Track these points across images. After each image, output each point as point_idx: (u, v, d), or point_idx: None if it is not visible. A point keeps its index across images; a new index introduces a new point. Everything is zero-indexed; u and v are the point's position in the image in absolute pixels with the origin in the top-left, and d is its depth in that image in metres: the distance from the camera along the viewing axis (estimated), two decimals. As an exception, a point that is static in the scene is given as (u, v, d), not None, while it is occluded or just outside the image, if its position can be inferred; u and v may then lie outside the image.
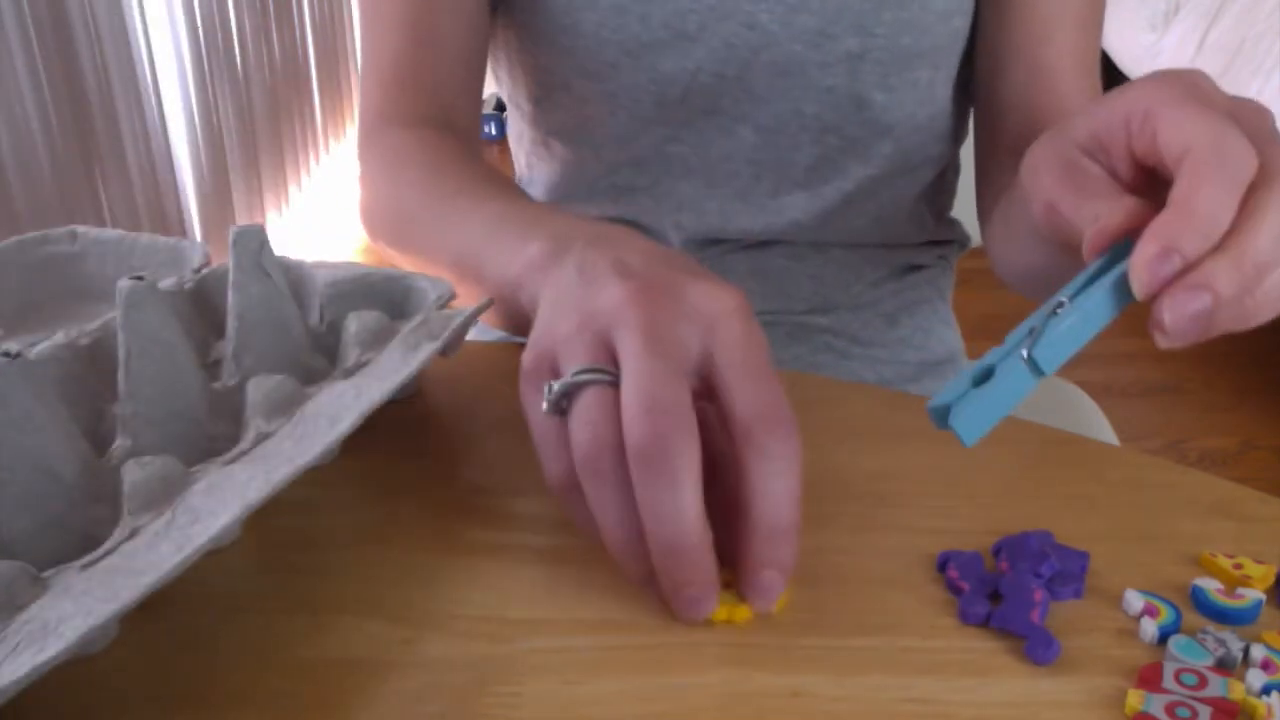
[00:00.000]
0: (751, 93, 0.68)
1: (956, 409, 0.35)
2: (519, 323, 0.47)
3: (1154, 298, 0.35)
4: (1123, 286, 0.36)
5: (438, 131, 0.65)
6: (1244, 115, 0.37)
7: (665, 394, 0.35)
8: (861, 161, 0.70)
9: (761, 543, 0.36)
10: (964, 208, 0.77)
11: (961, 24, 0.67)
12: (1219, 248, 0.35)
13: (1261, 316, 0.36)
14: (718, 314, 0.38)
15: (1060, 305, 0.36)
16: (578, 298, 0.40)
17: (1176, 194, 0.35)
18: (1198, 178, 0.35)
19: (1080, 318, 0.36)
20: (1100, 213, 0.38)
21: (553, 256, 0.44)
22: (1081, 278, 0.38)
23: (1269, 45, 2.02)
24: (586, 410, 0.36)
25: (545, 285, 0.43)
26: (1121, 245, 0.37)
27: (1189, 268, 0.35)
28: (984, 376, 0.36)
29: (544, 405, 0.38)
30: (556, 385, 0.38)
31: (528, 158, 0.79)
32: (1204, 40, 2.22)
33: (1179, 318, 0.35)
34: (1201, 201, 0.35)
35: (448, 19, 0.66)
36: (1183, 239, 0.34)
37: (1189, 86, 0.38)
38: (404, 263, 0.60)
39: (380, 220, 0.64)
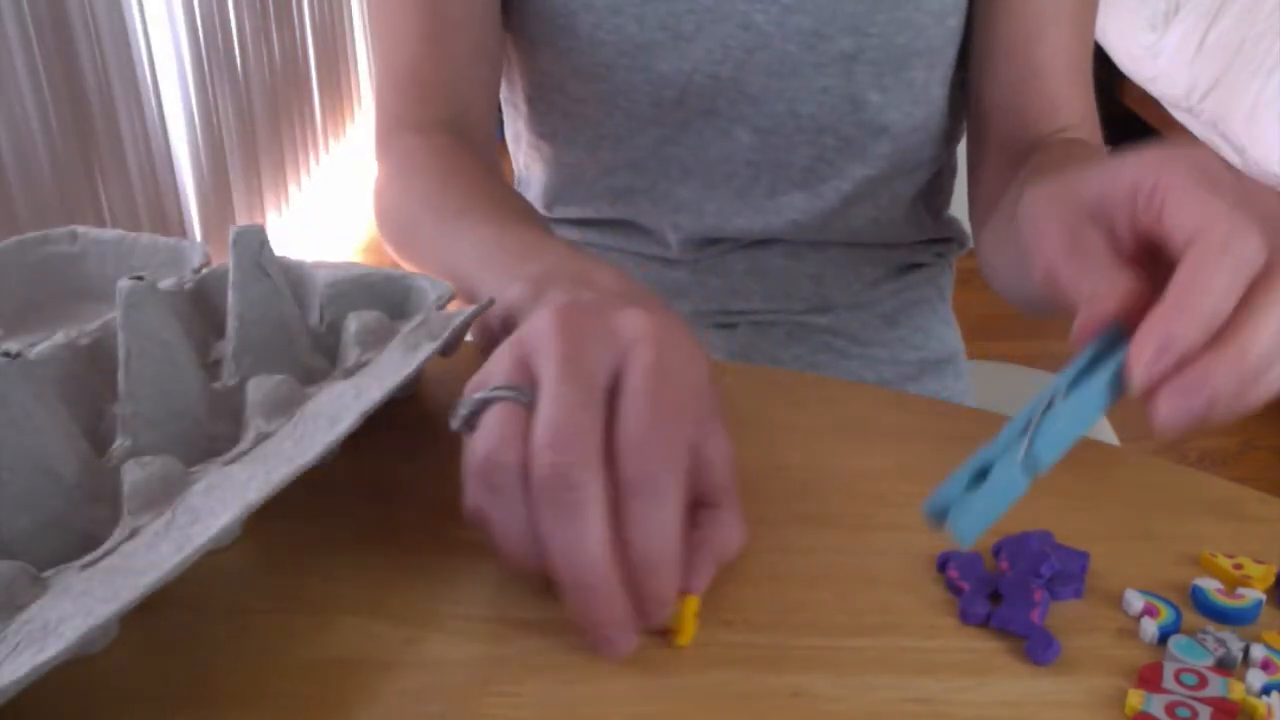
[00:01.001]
0: (747, 93, 0.68)
1: (955, 512, 0.35)
2: None
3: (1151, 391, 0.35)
4: (1118, 380, 0.36)
5: (452, 138, 0.66)
6: (1255, 202, 0.36)
7: (572, 422, 0.35)
8: (859, 161, 0.70)
9: (635, 573, 0.35)
10: (962, 206, 0.77)
11: (956, 23, 0.67)
12: (1218, 342, 0.34)
13: (1258, 404, 0.36)
14: (633, 338, 0.37)
15: (1051, 403, 0.36)
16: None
17: (1177, 282, 0.34)
18: (1201, 268, 0.34)
19: (1075, 414, 0.36)
20: (1097, 290, 0.37)
21: (530, 300, 0.45)
22: (1076, 364, 0.37)
23: (1269, 45, 2.02)
24: (487, 425, 0.36)
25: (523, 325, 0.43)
26: (1114, 331, 0.37)
27: (1186, 360, 0.34)
28: (980, 475, 0.36)
29: (454, 422, 0.38)
30: (465, 401, 0.37)
31: (525, 158, 0.79)
32: (1204, 40, 2.22)
33: (1176, 413, 0.34)
34: (1202, 293, 0.34)
35: (461, 16, 0.66)
36: (1182, 332, 0.34)
37: (1200, 169, 0.37)
38: (409, 269, 0.60)
39: (389, 226, 0.65)
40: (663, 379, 0.37)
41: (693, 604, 0.37)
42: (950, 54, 0.69)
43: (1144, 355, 0.34)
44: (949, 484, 0.36)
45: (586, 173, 0.74)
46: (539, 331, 0.38)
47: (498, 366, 0.38)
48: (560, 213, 0.78)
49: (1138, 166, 0.38)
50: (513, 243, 0.52)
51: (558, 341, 0.37)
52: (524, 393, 0.37)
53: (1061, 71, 0.66)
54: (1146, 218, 0.37)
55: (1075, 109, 0.67)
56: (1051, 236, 0.40)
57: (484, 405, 0.37)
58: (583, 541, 0.34)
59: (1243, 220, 0.35)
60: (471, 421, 0.37)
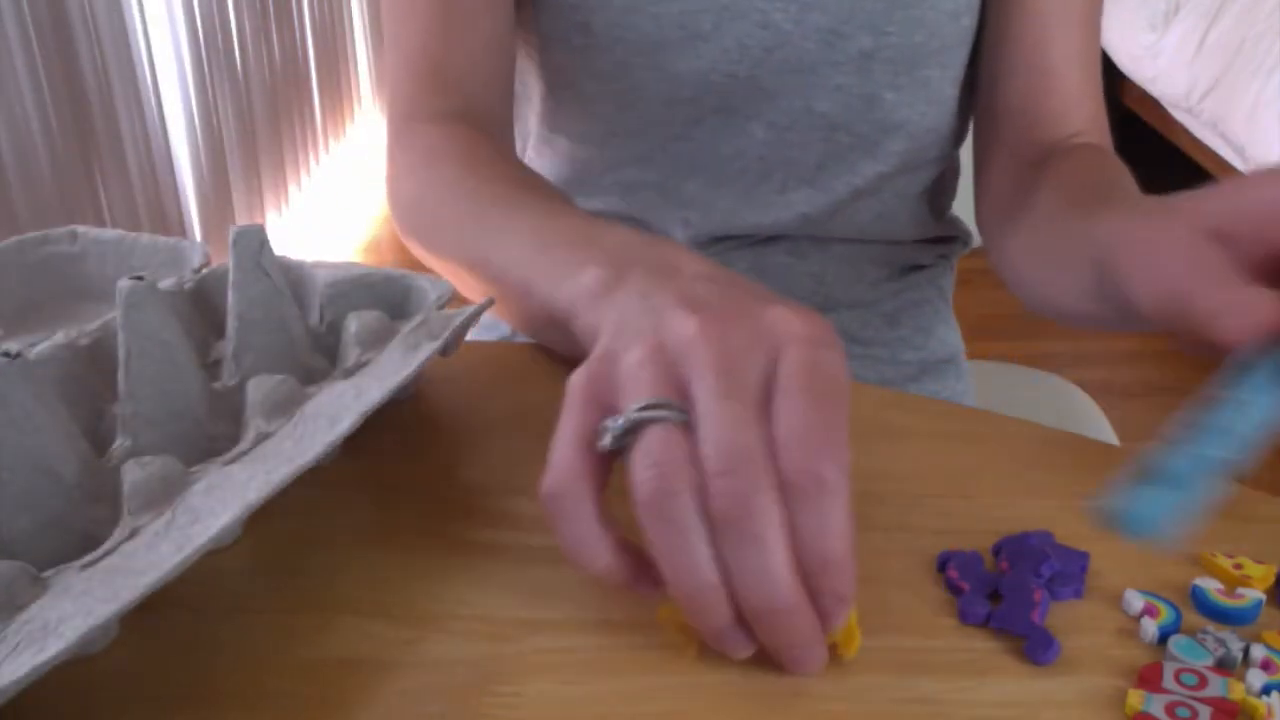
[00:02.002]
0: (763, 91, 0.68)
1: (1138, 500, 0.34)
2: (571, 349, 0.44)
3: None
4: None
5: (469, 128, 0.63)
6: None
7: (744, 443, 0.33)
8: (870, 159, 0.70)
9: (815, 577, 0.34)
10: (964, 206, 0.77)
11: (970, 23, 0.67)
12: None
13: None
14: (788, 339, 0.36)
15: (1226, 400, 0.36)
16: (644, 328, 0.38)
17: None
18: None
19: (1264, 413, 0.36)
20: (1248, 302, 0.37)
21: (612, 285, 0.41)
22: (1238, 371, 0.37)
23: (1269, 45, 2.02)
24: (651, 450, 0.34)
25: (606, 314, 0.41)
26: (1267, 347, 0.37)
27: None
28: (1165, 477, 0.34)
29: (606, 440, 0.35)
30: (621, 420, 0.35)
31: (533, 152, 0.79)
32: (1204, 40, 2.22)
33: None
34: None
35: (475, 7, 0.65)
36: None
37: None
38: (435, 265, 0.58)
39: (411, 218, 0.62)
40: (818, 376, 0.35)
41: (853, 611, 0.36)
42: (963, 54, 0.69)
43: None
44: (1139, 491, 0.34)
45: (596, 167, 0.74)
46: (686, 339, 0.36)
47: (642, 377, 0.36)
48: None
49: (1265, 192, 0.39)
50: (566, 227, 0.49)
51: (710, 351, 0.35)
52: (679, 410, 0.35)
53: (1073, 75, 0.66)
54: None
55: (1086, 113, 0.67)
56: (1177, 261, 0.40)
57: (640, 425, 0.35)
58: (771, 568, 0.33)
59: None
60: (623, 440, 0.35)
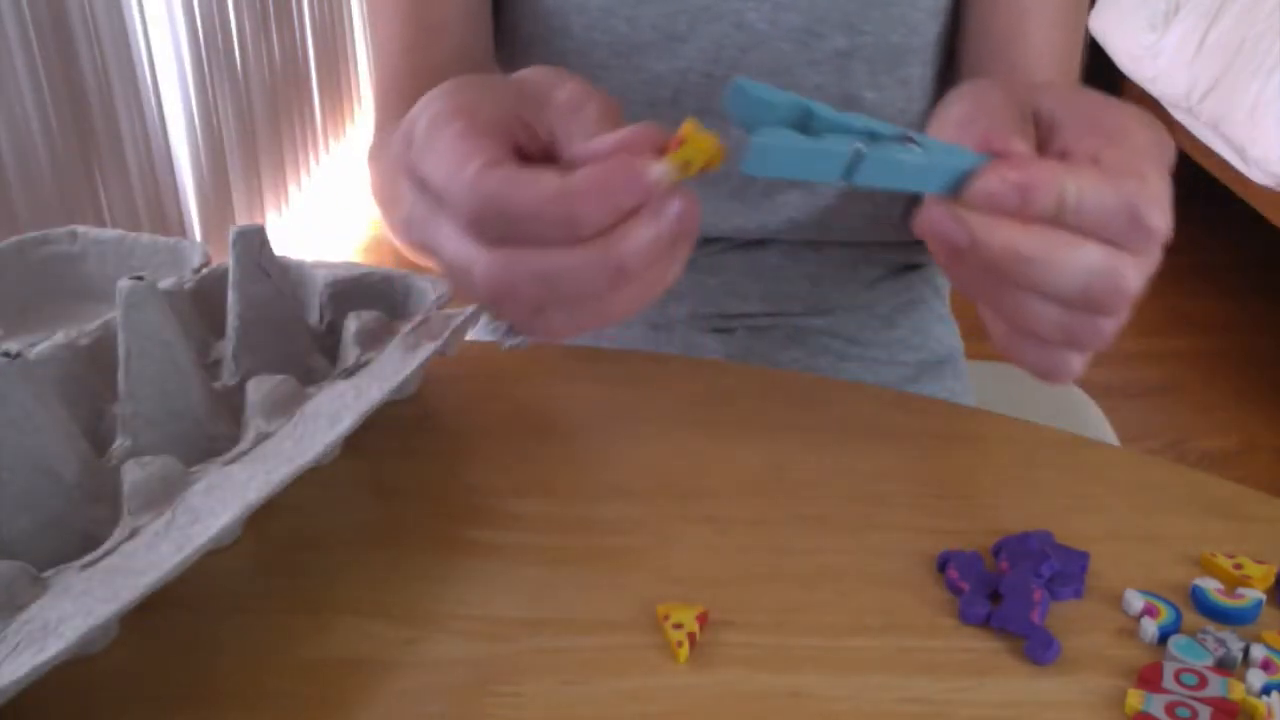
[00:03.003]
0: None
1: (766, 134, 0.34)
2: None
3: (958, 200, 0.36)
4: (961, 177, 0.36)
5: None
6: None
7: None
8: None
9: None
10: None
11: (947, 20, 0.67)
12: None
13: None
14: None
15: (913, 142, 0.36)
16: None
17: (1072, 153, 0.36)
18: (1099, 180, 0.35)
19: (918, 167, 0.36)
20: (998, 125, 0.38)
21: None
22: (943, 144, 0.37)
23: (1269, 45, 2.02)
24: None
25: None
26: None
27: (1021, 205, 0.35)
28: (802, 125, 0.35)
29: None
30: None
31: None
32: (1204, 40, 2.22)
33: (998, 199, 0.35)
34: (1075, 194, 0.35)
35: (441, 21, 0.66)
36: (1033, 199, 0.35)
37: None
38: (407, 247, 0.60)
39: (388, 208, 0.64)
40: None
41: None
42: (944, 52, 0.69)
43: (1005, 184, 0.35)
44: (773, 99, 0.35)
45: None
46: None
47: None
48: None
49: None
50: None
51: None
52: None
53: (1047, 71, 0.66)
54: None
55: None
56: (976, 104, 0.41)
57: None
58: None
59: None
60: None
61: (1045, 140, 0.39)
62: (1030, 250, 0.35)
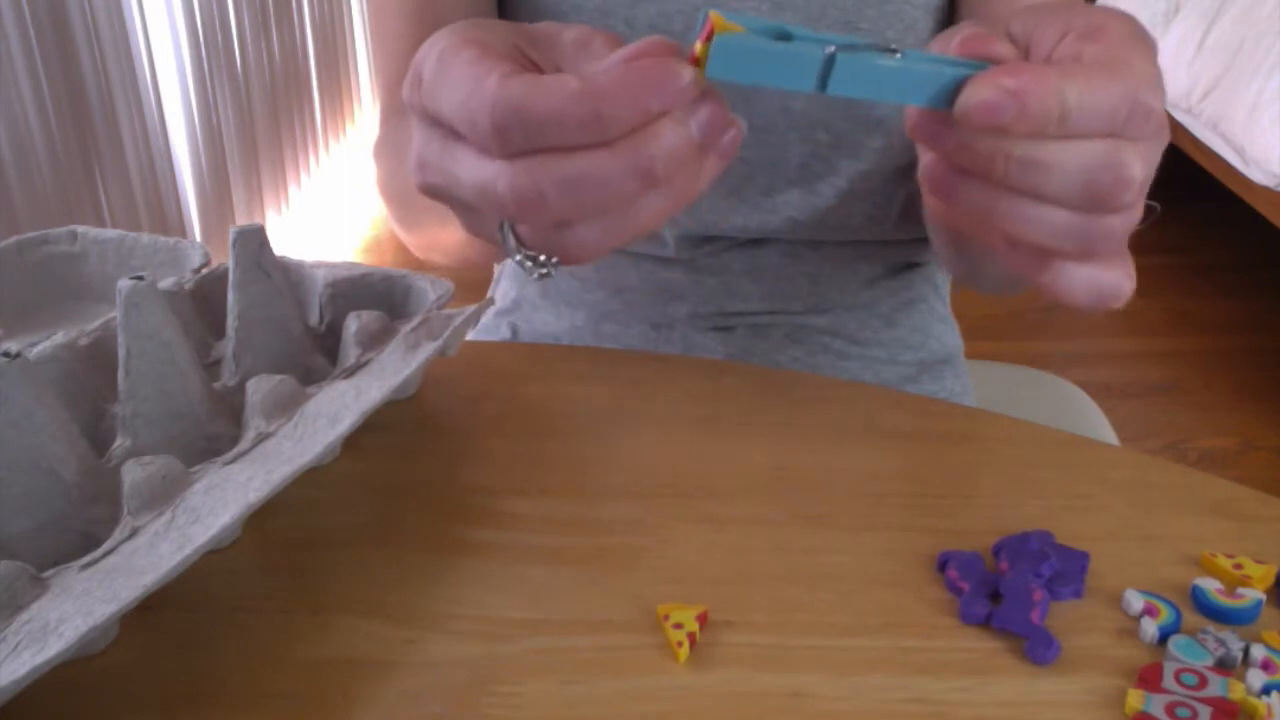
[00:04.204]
0: (738, 91, 0.68)
1: (730, 38, 0.33)
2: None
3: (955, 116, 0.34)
4: (952, 91, 0.34)
5: None
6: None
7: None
8: (853, 157, 0.70)
9: None
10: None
11: (943, 16, 0.68)
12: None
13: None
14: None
15: (895, 52, 0.34)
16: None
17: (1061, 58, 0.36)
18: (1092, 76, 0.34)
19: (900, 74, 0.34)
20: (988, 34, 0.37)
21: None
22: (930, 55, 0.36)
23: (1269, 45, 2.02)
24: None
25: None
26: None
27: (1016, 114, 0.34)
28: (781, 36, 0.34)
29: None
30: None
31: None
32: (1204, 40, 2.22)
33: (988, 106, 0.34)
34: (1075, 95, 0.34)
35: (441, 20, 0.66)
36: (1031, 106, 0.33)
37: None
38: (414, 240, 0.60)
39: (396, 202, 0.64)
40: None
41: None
42: None
43: (997, 93, 0.34)
44: (749, 24, 0.34)
45: None
46: None
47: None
48: None
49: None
50: None
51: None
52: None
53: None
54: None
55: None
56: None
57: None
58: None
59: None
60: None
61: (1023, 57, 0.38)
62: (1023, 149, 0.34)
